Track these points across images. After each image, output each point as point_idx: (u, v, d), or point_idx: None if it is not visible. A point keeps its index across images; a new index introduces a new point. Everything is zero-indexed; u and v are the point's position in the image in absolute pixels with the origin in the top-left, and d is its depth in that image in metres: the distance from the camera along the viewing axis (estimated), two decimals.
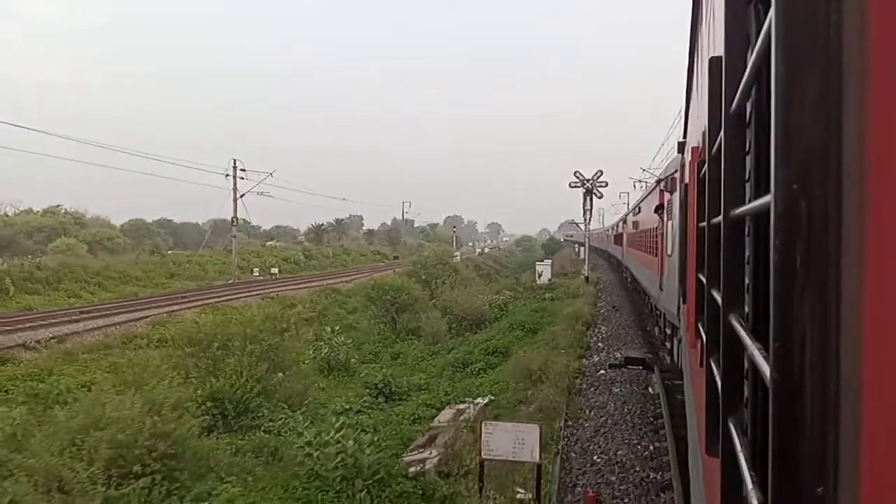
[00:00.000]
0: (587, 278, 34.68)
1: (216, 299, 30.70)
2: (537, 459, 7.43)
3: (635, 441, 9.57)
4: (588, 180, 35.94)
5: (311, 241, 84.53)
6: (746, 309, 1.53)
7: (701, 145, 3.46)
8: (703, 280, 2.65)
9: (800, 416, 0.78)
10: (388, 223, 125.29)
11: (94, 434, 7.94)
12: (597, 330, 19.33)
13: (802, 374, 0.78)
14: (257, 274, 48.43)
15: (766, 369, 0.93)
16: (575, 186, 36.65)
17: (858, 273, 0.72)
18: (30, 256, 38.31)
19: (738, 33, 1.56)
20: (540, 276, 35.67)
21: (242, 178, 45.25)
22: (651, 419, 10.51)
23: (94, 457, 7.68)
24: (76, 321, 23.01)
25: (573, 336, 17.74)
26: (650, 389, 12.01)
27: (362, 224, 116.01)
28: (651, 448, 9.22)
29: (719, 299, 1.79)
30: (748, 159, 1.55)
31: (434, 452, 9.24)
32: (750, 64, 1.22)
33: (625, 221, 29.74)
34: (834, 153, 0.75)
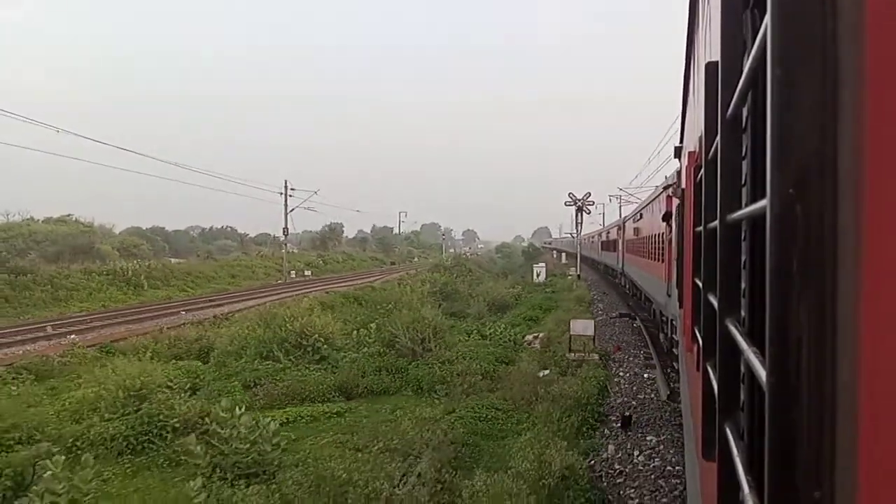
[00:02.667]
0: (579, 276, 42.82)
1: (295, 292, 37.42)
2: (592, 333, 16.54)
3: (630, 336, 20.12)
4: (580, 199, 45.11)
5: (316, 247, 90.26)
6: (743, 313, 1.53)
7: (697, 150, 3.47)
8: (700, 284, 2.66)
9: (796, 419, 0.78)
10: (367, 230, 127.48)
11: (408, 325, 17.47)
12: (595, 305, 28.88)
13: (799, 378, 0.78)
14: (293, 275, 55.66)
15: (762, 373, 0.93)
16: (569, 205, 45.95)
17: (854, 277, 0.72)
18: (111, 261, 44.02)
19: (734, 38, 1.56)
20: (538, 275, 42.09)
21: (291, 196, 52.96)
22: (637, 333, 20.52)
23: (409, 334, 17.20)
24: (217, 306, 30.72)
25: (582, 308, 26.03)
26: (634, 324, 22.05)
27: (343, 231, 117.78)
28: (637, 338, 19.56)
29: (715, 303, 1.79)
30: (744, 164, 1.56)
31: (537, 344, 18.58)
32: (746, 69, 1.22)
33: (620, 228, 29.59)
34: (830, 158, 0.75)
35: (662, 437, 9.89)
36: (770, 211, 0.82)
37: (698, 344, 2.89)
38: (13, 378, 15.50)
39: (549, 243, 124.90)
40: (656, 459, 9.01)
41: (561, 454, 8.05)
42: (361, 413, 12.55)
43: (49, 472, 7.47)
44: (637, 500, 7.75)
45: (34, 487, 7.59)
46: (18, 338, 21.55)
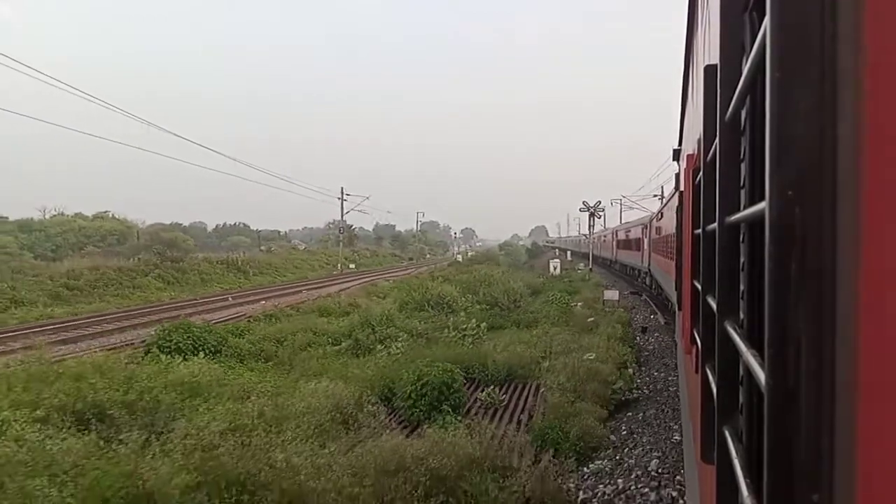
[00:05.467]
0: (591, 269, 51.54)
1: (366, 279, 47.26)
2: (617, 299, 26.43)
3: (639, 303, 29.12)
4: (592, 207, 56.10)
5: (344, 244, 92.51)
6: (741, 315, 1.53)
7: (696, 153, 3.47)
8: (699, 287, 2.66)
9: (795, 422, 0.78)
10: (367, 227, 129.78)
11: (504, 292, 27.66)
12: (611, 288, 35.79)
13: (798, 380, 0.78)
14: (340, 268, 63.38)
15: (761, 376, 0.93)
16: (583, 211, 56.57)
17: (853, 279, 0.72)
18: (193, 255, 51.59)
19: (733, 41, 1.56)
20: (555, 269, 47.97)
21: (345, 200, 62.91)
22: (644, 301, 29.48)
23: (507, 295, 27.26)
24: (318, 288, 39.80)
25: (602, 290, 32.09)
26: (641, 297, 30.87)
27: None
28: (644, 304, 28.65)
29: (714, 306, 1.79)
30: (743, 167, 1.56)
31: (578, 306, 25.88)
32: (745, 72, 1.22)
33: (646, 227, 29.23)
34: (828, 160, 0.75)
35: (662, 335, 19.84)
36: (769, 213, 0.82)
37: (697, 346, 2.89)
38: (266, 319, 23.41)
39: (552, 242, 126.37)
40: (660, 339, 19.28)
41: (619, 330, 18.98)
42: (494, 335, 19.78)
43: (399, 342, 17.70)
44: (652, 347, 18.10)
45: (394, 345, 17.52)
46: (222, 303, 30.68)
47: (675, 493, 7.91)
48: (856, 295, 0.71)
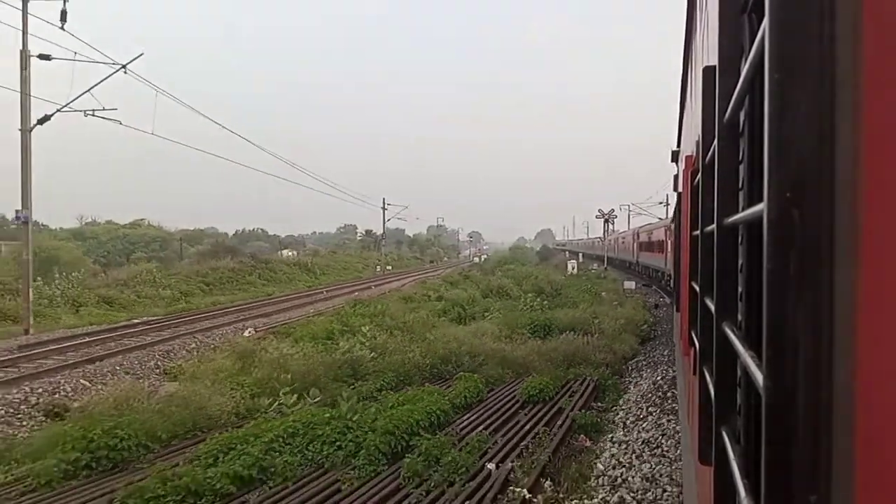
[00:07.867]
0: (606, 269, 56.15)
1: (411, 278, 51.76)
2: (634, 287, 35.35)
3: (651, 291, 36.48)
4: (606, 214, 61.62)
5: (366, 247, 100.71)
6: (739, 317, 1.53)
7: (694, 154, 3.47)
8: (697, 288, 2.66)
9: (793, 424, 0.78)
10: (377, 231, 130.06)
11: (548, 283, 36.95)
12: (626, 283, 42.30)
13: (795, 382, 0.78)
14: (379, 270, 67.38)
15: (759, 377, 0.93)
16: (598, 218, 62.35)
17: (851, 281, 0.72)
18: (245, 257, 54.84)
19: (731, 42, 1.56)
20: (572, 268, 51.34)
21: (386, 209, 68.58)
22: (655, 289, 36.62)
23: (551, 285, 35.58)
24: (379, 285, 43.41)
25: (618, 285, 38.20)
26: (651, 287, 37.55)
27: (356, 232, 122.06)
28: (653, 291, 36.54)
29: (712, 307, 1.79)
30: (741, 168, 1.56)
31: (603, 294, 31.52)
32: (743, 73, 1.22)
33: (669, 228, 28.75)
34: (827, 162, 0.75)
35: (668, 309, 25.89)
36: (767, 214, 0.82)
37: (695, 348, 2.89)
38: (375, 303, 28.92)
39: (563, 244, 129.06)
40: (667, 312, 25.54)
41: (640, 305, 27.81)
42: (550, 312, 24.69)
43: (496, 312, 24.91)
44: (662, 315, 25.83)
45: (495, 314, 24.57)
46: (323, 297, 35.22)
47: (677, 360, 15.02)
48: (854, 297, 0.71)
